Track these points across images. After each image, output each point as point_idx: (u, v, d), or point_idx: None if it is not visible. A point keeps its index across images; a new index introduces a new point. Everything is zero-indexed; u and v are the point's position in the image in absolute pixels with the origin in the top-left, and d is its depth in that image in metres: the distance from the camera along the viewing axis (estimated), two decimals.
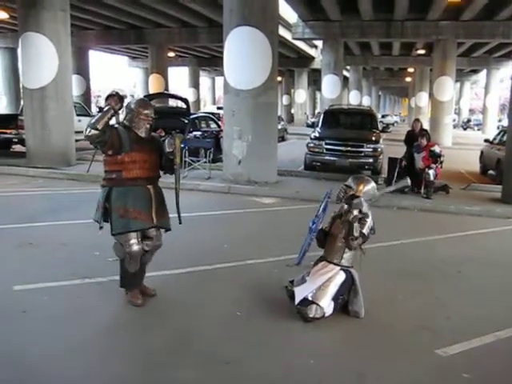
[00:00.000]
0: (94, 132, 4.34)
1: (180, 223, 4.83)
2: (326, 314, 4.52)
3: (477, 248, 7.38)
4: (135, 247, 4.66)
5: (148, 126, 4.75)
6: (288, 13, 27.95)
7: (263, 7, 11.42)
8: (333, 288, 4.54)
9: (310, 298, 4.49)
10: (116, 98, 4.51)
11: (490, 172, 15.43)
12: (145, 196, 4.66)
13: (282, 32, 26.85)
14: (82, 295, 5.03)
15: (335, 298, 4.55)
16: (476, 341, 4.29)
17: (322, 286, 4.52)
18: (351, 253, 4.65)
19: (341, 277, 4.59)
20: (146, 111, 4.73)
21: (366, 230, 4.56)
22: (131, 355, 3.93)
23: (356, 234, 4.47)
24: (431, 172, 10.83)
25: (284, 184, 11.69)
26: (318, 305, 4.45)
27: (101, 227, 4.70)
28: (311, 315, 4.44)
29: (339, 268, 4.63)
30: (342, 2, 24.22)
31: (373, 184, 4.78)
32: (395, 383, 3.66)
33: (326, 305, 4.49)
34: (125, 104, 4.74)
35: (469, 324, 4.65)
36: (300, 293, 4.61)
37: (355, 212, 4.49)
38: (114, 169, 4.63)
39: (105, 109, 4.45)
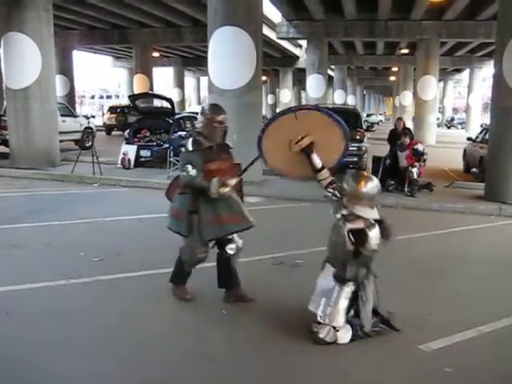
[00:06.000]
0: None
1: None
2: (340, 341, 4.10)
3: (460, 245, 7.46)
4: (204, 254, 4.75)
5: (222, 132, 4.68)
6: (272, 12, 28.02)
7: (247, 7, 11.44)
8: (343, 302, 4.10)
9: (326, 322, 4.06)
10: None
11: (473, 170, 15.59)
12: (226, 201, 4.59)
13: (267, 31, 26.88)
14: (67, 296, 5.01)
15: (351, 323, 4.14)
16: (459, 336, 4.34)
17: (334, 304, 4.09)
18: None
19: (349, 286, 4.13)
20: (219, 117, 4.62)
21: (371, 245, 4.00)
22: (114, 353, 3.93)
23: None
24: (415, 170, 10.93)
25: (269, 183, 11.70)
26: (332, 327, 4.06)
27: (185, 236, 4.69)
28: (322, 335, 4.05)
29: None
30: (326, 2, 24.33)
31: (376, 182, 4.11)
32: (378, 379, 3.69)
33: (341, 323, 4.07)
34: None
35: (451, 319, 4.70)
36: (314, 302, 4.21)
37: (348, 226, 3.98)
38: None
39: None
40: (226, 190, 4.44)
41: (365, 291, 4.14)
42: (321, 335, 4.06)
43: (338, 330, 4.09)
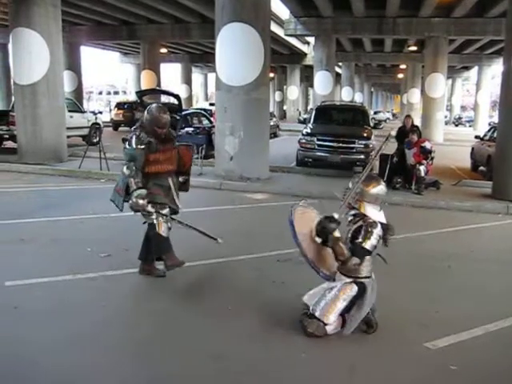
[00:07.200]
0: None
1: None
2: (329, 332, 4.18)
3: (467, 243, 7.43)
4: (164, 210, 5.17)
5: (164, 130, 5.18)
6: (280, 9, 27.99)
7: (255, 3, 11.43)
8: (341, 304, 4.12)
9: (315, 314, 4.12)
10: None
11: (481, 168, 15.53)
12: (164, 184, 5.20)
13: (274, 28, 26.84)
14: (74, 291, 5.03)
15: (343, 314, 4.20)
16: (465, 334, 4.33)
17: (331, 301, 4.12)
18: (367, 262, 4.13)
19: (352, 291, 4.14)
20: (163, 119, 5.13)
21: (369, 244, 3.99)
22: (119, 348, 3.96)
23: (341, 258, 4.02)
24: (422, 168, 10.90)
25: (276, 180, 11.71)
26: (321, 322, 4.10)
27: (121, 210, 5.26)
28: (310, 330, 4.12)
29: (351, 280, 4.14)
30: None
31: (381, 186, 4.16)
32: (384, 376, 3.69)
33: (332, 321, 4.13)
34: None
35: (458, 317, 4.69)
36: (311, 296, 4.27)
37: (336, 234, 4.00)
38: None
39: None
40: (141, 202, 4.96)
41: (362, 298, 4.15)
42: (310, 330, 4.14)
43: (326, 325, 4.16)
